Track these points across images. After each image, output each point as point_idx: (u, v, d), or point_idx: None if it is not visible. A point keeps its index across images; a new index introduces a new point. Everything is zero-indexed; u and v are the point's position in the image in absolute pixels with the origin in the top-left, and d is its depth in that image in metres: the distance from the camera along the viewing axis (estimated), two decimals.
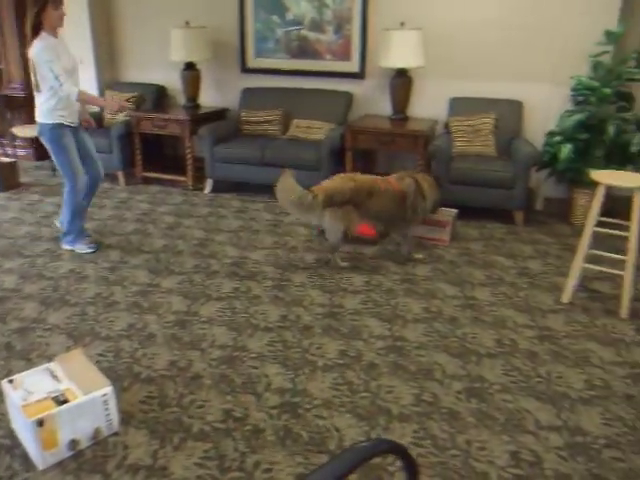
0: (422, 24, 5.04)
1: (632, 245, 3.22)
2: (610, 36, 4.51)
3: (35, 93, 3.80)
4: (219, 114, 5.84)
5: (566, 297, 3.46)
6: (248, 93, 5.81)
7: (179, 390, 2.64)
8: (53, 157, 3.90)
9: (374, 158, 5.73)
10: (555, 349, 2.97)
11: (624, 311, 3.29)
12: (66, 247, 4.13)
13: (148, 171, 5.78)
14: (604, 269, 3.45)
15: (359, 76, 5.60)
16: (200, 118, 5.53)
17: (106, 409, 2.29)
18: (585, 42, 4.66)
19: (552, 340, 3.05)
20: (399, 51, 4.94)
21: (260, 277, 3.76)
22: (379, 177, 3.98)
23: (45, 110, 3.72)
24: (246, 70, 5.93)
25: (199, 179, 5.67)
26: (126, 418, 2.44)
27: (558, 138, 4.71)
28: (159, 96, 6.11)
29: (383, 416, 2.48)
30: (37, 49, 3.56)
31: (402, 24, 5.01)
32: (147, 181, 5.81)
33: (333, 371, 2.79)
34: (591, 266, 3.44)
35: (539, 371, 2.79)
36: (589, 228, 3.32)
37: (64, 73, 3.58)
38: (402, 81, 5.14)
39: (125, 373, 2.76)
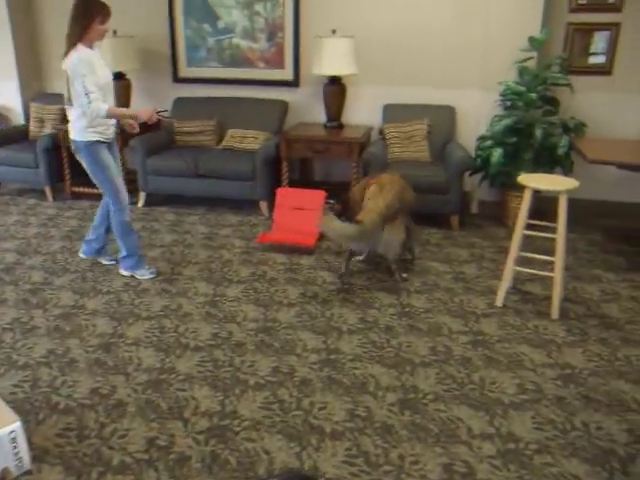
0: (354, 31, 5.04)
1: (560, 247, 3.28)
2: (534, 42, 4.63)
3: (66, 107, 3.64)
4: (151, 125, 5.64)
5: (499, 301, 3.49)
6: (181, 103, 5.66)
7: (100, 419, 2.50)
8: (91, 176, 3.73)
9: (310, 167, 5.69)
10: (488, 354, 2.98)
11: (555, 312, 3.34)
12: (124, 273, 3.87)
13: (77, 185, 5.53)
14: (534, 271, 3.51)
15: (293, 84, 5.55)
16: None
17: (14, 447, 2.11)
18: (511, 49, 4.77)
19: (485, 345, 3.06)
20: (331, 59, 4.92)
21: (192, 293, 3.63)
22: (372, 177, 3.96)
23: (79, 127, 3.55)
24: (178, 80, 5.78)
25: (131, 192, 5.44)
26: (40, 454, 2.28)
27: (489, 142, 4.79)
28: None
29: (315, 435, 2.41)
30: (74, 61, 3.42)
31: (334, 31, 4.99)
32: (77, 196, 5.56)
33: (265, 389, 2.71)
34: (522, 269, 3.49)
35: (473, 378, 2.79)
36: (519, 231, 3.37)
37: (96, 89, 3.40)
38: (335, 89, 5.12)
39: (41, 404, 2.58)
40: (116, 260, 3.97)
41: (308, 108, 5.58)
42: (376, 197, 3.60)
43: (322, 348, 3.03)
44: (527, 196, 3.30)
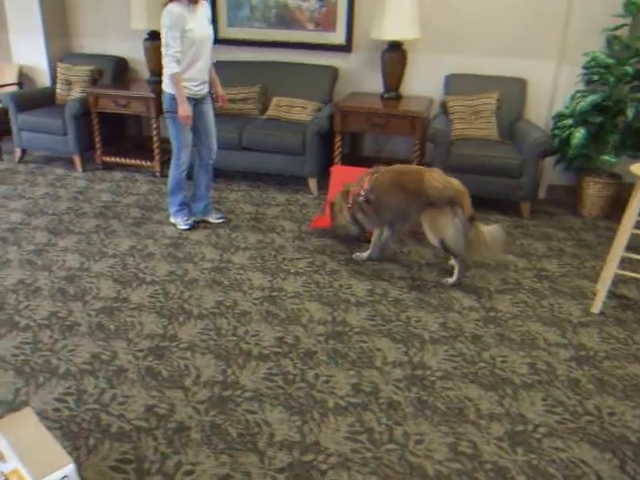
0: None
1: None
2: (630, 7, 4.07)
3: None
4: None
5: (596, 307, 3.07)
6: (220, 67, 5.10)
7: (100, 385, 2.41)
8: (167, 125, 3.73)
9: (359, 142, 5.22)
10: (599, 375, 2.56)
11: None
12: (171, 220, 4.00)
13: (108, 155, 5.12)
14: (637, 275, 3.07)
15: (345, 49, 5.03)
16: None
17: None
18: (598, 15, 4.21)
19: (592, 363, 2.65)
20: (394, 21, 4.39)
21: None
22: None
23: (166, 79, 3.58)
24: (218, 41, 5.19)
25: (168, 164, 5.03)
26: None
27: (569, 121, 4.28)
28: (119, 70, 5.40)
29: (318, 409, 2.29)
30: (164, 12, 3.45)
31: None
32: (108, 167, 5.15)
33: (268, 360, 2.59)
34: (627, 273, 3.04)
35: (586, 406, 2.38)
36: (627, 230, 2.91)
37: (176, 45, 3.43)
38: (395, 55, 4.61)
39: (42, 368, 2.25)
40: (225, 217, 4.10)
41: (360, 76, 5.07)
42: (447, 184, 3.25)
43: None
44: None
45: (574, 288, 3.33)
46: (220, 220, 4.07)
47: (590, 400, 2.39)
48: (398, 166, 3.51)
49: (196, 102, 3.68)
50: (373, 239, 3.58)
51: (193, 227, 3.93)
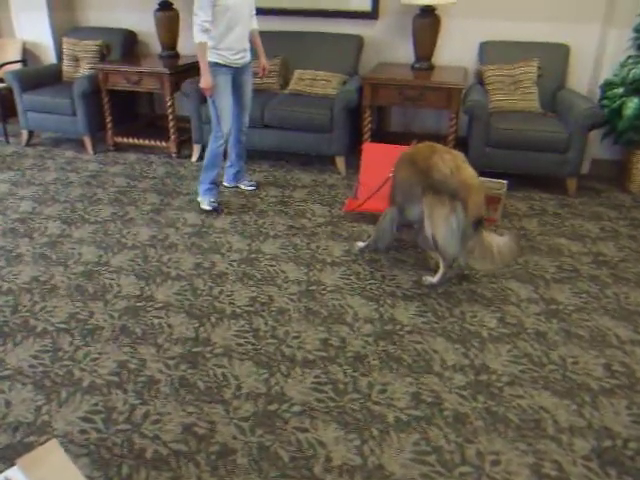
0: None
1: None
2: None
3: None
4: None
5: None
6: None
7: (75, 343, 2.45)
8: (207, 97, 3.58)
9: (387, 116, 4.90)
10: None
11: None
12: (198, 199, 3.80)
13: (120, 136, 4.82)
14: None
15: (371, 16, 4.67)
16: (182, 70, 4.55)
17: None
18: None
19: None
20: None
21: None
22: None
23: (207, 46, 3.40)
24: None
25: (184, 144, 4.75)
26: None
27: (619, 90, 3.93)
28: (128, 44, 5.07)
29: (285, 362, 2.33)
30: None
31: None
32: (120, 148, 4.86)
33: (241, 319, 2.61)
34: None
35: None
36: None
37: (204, 14, 3.25)
38: (428, 21, 4.25)
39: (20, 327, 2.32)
40: (255, 185, 4.04)
41: (388, 45, 4.72)
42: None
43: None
44: None
45: (637, 275, 3.04)
46: (251, 187, 4.03)
47: None
48: (428, 143, 2.99)
49: (235, 72, 3.52)
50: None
51: (217, 210, 3.70)
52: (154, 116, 5.32)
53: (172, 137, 4.61)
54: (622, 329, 2.58)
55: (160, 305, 2.74)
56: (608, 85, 4.05)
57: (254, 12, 3.64)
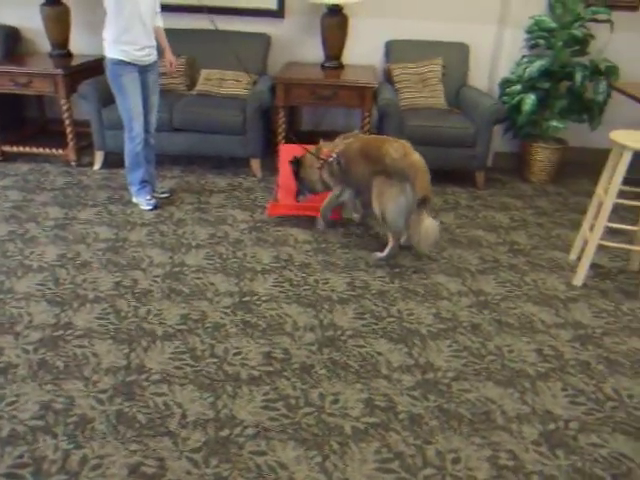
0: None
1: None
2: None
3: None
4: (100, 65, 4.49)
5: (579, 279, 3.00)
6: None
7: None
8: (114, 96, 3.43)
9: (297, 116, 4.86)
10: (605, 354, 2.48)
11: None
12: (133, 200, 3.70)
13: (8, 144, 4.36)
14: (626, 246, 3.05)
15: (278, 14, 4.59)
16: (77, 70, 4.20)
17: None
18: None
19: (596, 343, 2.56)
20: None
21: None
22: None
23: (107, 42, 3.28)
24: None
25: (84, 151, 4.40)
26: None
27: (517, 87, 4.18)
28: (10, 41, 4.59)
29: (230, 382, 2.21)
30: None
31: None
32: (8, 158, 4.40)
33: (174, 339, 2.47)
34: (611, 244, 2.99)
35: (604, 389, 2.29)
36: (610, 200, 2.83)
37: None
38: (336, 20, 4.26)
39: None
40: (169, 192, 3.87)
41: (296, 44, 4.68)
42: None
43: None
44: (626, 158, 2.74)
45: (549, 261, 3.26)
46: (164, 195, 3.83)
47: (606, 383, 2.30)
48: (373, 136, 3.36)
49: (140, 70, 3.37)
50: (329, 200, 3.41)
51: (157, 207, 3.65)
52: (45, 120, 4.87)
53: (70, 144, 4.25)
54: (545, 314, 2.75)
55: (81, 332, 2.49)
56: (506, 83, 4.30)
57: (159, 9, 3.45)
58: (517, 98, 4.14)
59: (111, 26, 3.25)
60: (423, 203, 2.91)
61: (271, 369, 2.30)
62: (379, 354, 2.41)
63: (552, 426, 2.05)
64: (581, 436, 2.02)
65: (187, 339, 2.47)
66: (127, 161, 3.59)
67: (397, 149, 2.99)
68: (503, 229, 3.62)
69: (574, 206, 4.02)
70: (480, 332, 2.58)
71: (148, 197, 3.64)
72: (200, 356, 2.37)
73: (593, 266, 3.09)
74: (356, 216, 3.60)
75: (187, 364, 2.32)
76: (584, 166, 4.59)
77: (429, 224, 2.91)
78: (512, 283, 3.00)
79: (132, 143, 3.49)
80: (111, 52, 3.29)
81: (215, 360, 2.34)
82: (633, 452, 1.96)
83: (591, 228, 3.04)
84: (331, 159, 3.28)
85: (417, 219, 2.93)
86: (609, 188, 2.83)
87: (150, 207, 3.63)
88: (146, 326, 2.55)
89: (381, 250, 3.17)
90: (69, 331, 2.50)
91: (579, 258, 3.16)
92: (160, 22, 3.51)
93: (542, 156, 4.34)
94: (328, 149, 3.35)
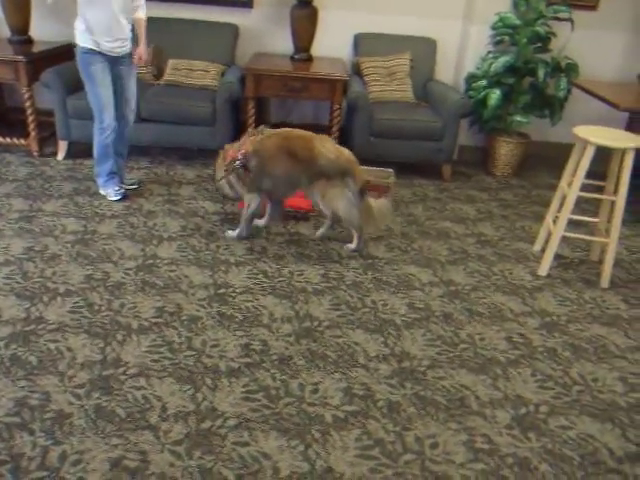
0: None
1: (619, 209, 2.92)
2: None
3: None
4: (62, 52, 4.38)
5: (544, 269, 3.12)
6: None
7: None
8: (85, 85, 3.37)
9: (266, 108, 4.84)
10: (570, 340, 2.60)
11: (605, 281, 3.05)
12: (100, 191, 3.65)
13: None
14: (587, 237, 3.19)
15: (246, 4, 4.56)
16: (39, 57, 4.07)
17: None
18: None
19: (561, 329, 2.67)
20: None
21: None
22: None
23: (78, 30, 3.23)
24: None
25: (46, 141, 4.27)
26: None
27: (483, 82, 4.29)
28: None
29: (209, 374, 2.22)
30: None
31: None
32: None
33: (151, 332, 2.45)
34: (574, 235, 3.12)
35: (571, 375, 2.40)
36: (573, 193, 2.95)
37: None
38: (305, 12, 4.26)
39: None
40: (138, 184, 3.81)
41: (264, 35, 4.66)
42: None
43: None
44: (589, 153, 2.86)
45: (515, 252, 3.37)
46: (133, 186, 3.77)
47: (572, 369, 2.41)
48: (285, 130, 3.16)
49: (112, 60, 3.32)
50: (243, 213, 3.22)
51: (125, 196, 3.61)
52: (4, 109, 4.70)
53: (32, 134, 4.12)
54: (513, 303, 2.85)
55: (53, 327, 2.44)
56: (472, 78, 4.40)
57: (141, 1, 3.39)
58: (483, 93, 4.25)
59: (82, 16, 3.18)
60: (363, 191, 3.05)
61: (250, 360, 2.32)
62: (356, 344, 2.45)
63: (523, 410, 2.15)
64: (551, 419, 2.11)
65: (163, 332, 2.45)
66: (96, 152, 3.52)
67: (329, 149, 2.97)
68: (470, 221, 3.72)
69: (536, 199, 4.16)
70: (452, 321, 2.66)
71: (116, 188, 3.58)
72: (177, 349, 2.36)
73: (556, 257, 3.21)
74: (260, 222, 3.36)
75: (164, 357, 2.31)
76: (545, 160, 4.76)
77: (380, 204, 3.11)
78: (480, 273, 3.10)
79: (102, 135, 3.43)
80: (81, 41, 3.23)
81: (193, 353, 2.34)
82: (599, 433, 2.07)
83: (555, 220, 3.16)
84: (237, 162, 3.04)
85: (366, 206, 3.06)
86: (572, 182, 2.95)
87: (118, 197, 3.58)
88: (121, 319, 2.52)
89: (352, 241, 3.22)
90: (41, 325, 2.44)
91: (543, 250, 3.29)
92: (142, 14, 3.44)
93: (506, 150, 4.46)
94: (233, 150, 3.12)
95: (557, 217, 3.12)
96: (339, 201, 3.02)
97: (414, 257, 3.21)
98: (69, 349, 2.32)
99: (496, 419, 2.09)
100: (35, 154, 4.19)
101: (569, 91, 4.26)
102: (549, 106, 4.39)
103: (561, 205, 3.12)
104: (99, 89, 3.30)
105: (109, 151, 3.49)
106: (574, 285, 3.05)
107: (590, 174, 2.93)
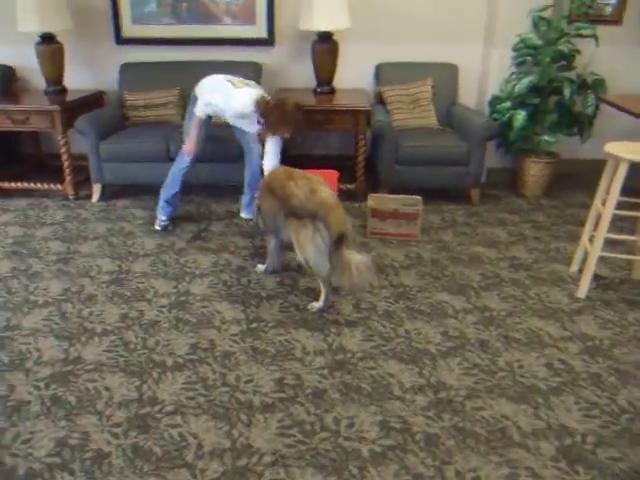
0: None
1: None
2: None
3: None
4: (94, 99, 4.57)
5: (582, 292, 3.03)
6: (130, 70, 4.60)
7: None
8: None
9: (291, 140, 4.89)
10: (615, 365, 2.49)
11: None
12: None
13: (6, 180, 4.37)
14: (627, 256, 3.10)
15: (268, 42, 4.68)
16: (73, 106, 4.24)
17: None
18: None
19: (605, 354, 2.57)
20: (323, 10, 4.11)
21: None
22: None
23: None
24: (123, 41, 4.69)
25: (81, 185, 4.42)
26: None
27: (507, 104, 4.27)
28: (5, 80, 4.62)
29: (244, 410, 2.22)
30: None
31: None
32: (7, 194, 4.40)
33: (185, 369, 2.47)
34: (612, 255, 3.03)
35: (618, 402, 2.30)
36: (608, 211, 2.87)
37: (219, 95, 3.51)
38: (327, 47, 4.34)
39: None
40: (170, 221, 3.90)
41: (287, 71, 4.76)
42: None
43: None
44: (622, 170, 2.79)
45: (551, 274, 3.29)
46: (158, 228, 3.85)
47: (619, 395, 2.31)
48: (284, 168, 3.10)
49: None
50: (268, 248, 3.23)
51: (165, 229, 3.81)
52: (41, 156, 4.90)
53: (68, 178, 4.27)
54: (551, 327, 2.76)
55: (91, 366, 2.48)
56: (496, 100, 4.38)
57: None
58: (507, 115, 4.22)
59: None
60: (340, 241, 2.67)
61: (284, 395, 2.30)
62: (390, 375, 2.41)
63: (569, 441, 2.06)
64: (599, 450, 2.02)
65: (197, 369, 2.46)
66: (168, 178, 3.73)
67: (302, 188, 2.77)
68: (502, 244, 3.66)
69: (570, 218, 4.07)
70: (488, 349, 2.60)
71: (164, 218, 3.79)
72: (212, 385, 2.36)
73: (595, 277, 3.12)
74: (269, 268, 3.25)
75: (199, 394, 2.31)
76: (576, 178, 4.67)
77: (358, 261, 2.64)
78: (516, 298, 3.03)
79: (178, 165, 3.68)
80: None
81: (227, 389, 2.34)
82: None
83: (591, 240, 3.08)
84: (256, 200, 3.19)
85: (340, 260, 2.65)
86: (607, 200, 2.88)
87: (159, 228, 3.80)
88: (156, 357, 2.54)
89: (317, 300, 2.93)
90: (79, 365, 2.49)
91: (580, 270, 3.20)
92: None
93: (535, 170, 4.40)
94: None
95: (593, 236, 3.05)
96: (308, 245, 2.72)
97: (446, 284, 3.16)
98: (107, 388, 2.35)
99: (540, 450, 2.01)
100: (71, 197, 4.33)
101: (597, 107, 4.20)
102: (577, 123, 4.33)
103: (596, 224, 3.05)
104: (196, 128, 3.59)
105: (175, 183, 3.71)
106: (616, 306, 2.95)
107: (624, 190, 2.86)
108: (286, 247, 3.09)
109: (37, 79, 4.60)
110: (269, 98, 3.40)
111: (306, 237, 2.73)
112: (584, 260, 3.13)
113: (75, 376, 2.42)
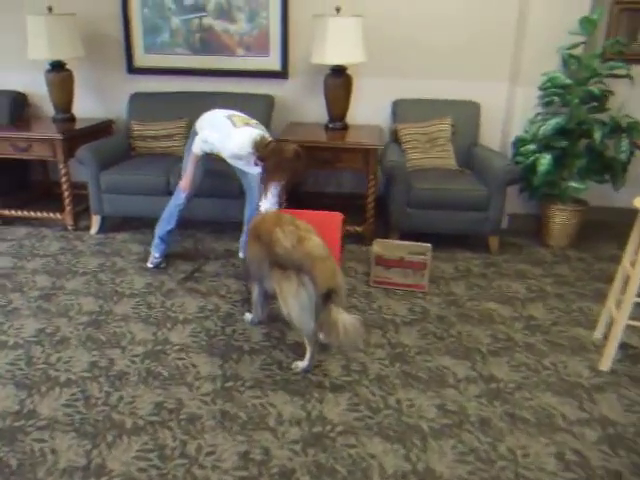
0: (354, 10, 4.07)
1: None
2: (585, 24, 3.81)
3: None
4: (102, 128, 4.47)
5: (605, 364, 2.66)
6: (139, 99, 4.50)
7: None
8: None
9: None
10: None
11: None
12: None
13: (7, 208, 4.28)
14: None
15: (281, 75, 4.52)
16: (77, 135, 4.14)
17: None
18: (550, 34, 3.94)
19: (629, 446, 2.20)
20: (337, 44, 3.92)
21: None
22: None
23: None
24: (134, 70, 4.61)
25: (82, 215, 4.29)
26: None
27: (531, 147, 3.96)
28: (17, 106, 4.56)
29: None
30: None
31: (338, 10, 3.98)
32: (7, 221, 4.31)
33: (143, 433, 2.21)
34: (636, 322, 2.66)
35: None
36: (638, 274, 2.52)
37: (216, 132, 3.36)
38: (340, 81, 4.13)
39: None
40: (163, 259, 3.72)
41: (299, 104, 4.58)
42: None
43: None
44: None
45: (571, 339, 2.92)
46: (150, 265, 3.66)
47: None
48: (277, 213, 2.85)
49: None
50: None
51: (157, 266, 3.62)
52: (50, 183, 4.81)
53: (67, 208, 4.14)
54: (567, 407, 2.40)
55: (43, 423, 2.25)
56: (520, 141, 4.08)
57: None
58: (532, 158, 3.91)
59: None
60: (329, 298, 2.39)
61: (245, 474, 2.01)
62: (371, 456, 2.10)
63: None
64: None
65: (157, 433, 2.21)
66: (164, 213, 3.58)
67: (288, 235, 2.52)
68: (519, 301, 3.31)
69: (598, 274, 3.69)
70: (490, 429, 2.25)
71: (157, 255, 3.61)
72: (169, 456, 2.10)
73: (622, 346, 2.75)
74: (255, 319, 2.99)
75: (152, 465, 2.05)
76: (607, 227, 4.30)
77: (346, 320, 2.36)
78: (528, 367, 2.67)
79: (175, 201, 3.53)
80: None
81: (185, 461, 2.07)
82: None
83: (618, 304, 2.73)
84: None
85: (328, 318, 2.38)
86: (636, 261, 2.53)
87: (151, 265, 3.62)
88: (115, 416, 2.30)
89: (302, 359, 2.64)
90: (30, 421, 2.26)
91: (605, 336, 2.84)
92: None
93: (561, 218, 4.05)
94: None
95: (620, 301, 2.69)
96: (291, 299, 2.47)
97: (450, 346, 2.83)
98: (53, 451, 2.12)
99: None
100: (70, 228, 4.20)
101: (632, 153, 3.86)
102: (609, 170, 3.98)
103: (624, 287, 2.69)
104: (193, 165, 3.47)
105: (172, 220, 3.56)
106: None
107: None
108: (271, 297, 2.82)
109: (48, 106, 4.54)
110: (269, 140, 3.16)
111: (289, 291, 2.47)
112: (609, 325, 2.77)
113: (24, 434, 2.20)
